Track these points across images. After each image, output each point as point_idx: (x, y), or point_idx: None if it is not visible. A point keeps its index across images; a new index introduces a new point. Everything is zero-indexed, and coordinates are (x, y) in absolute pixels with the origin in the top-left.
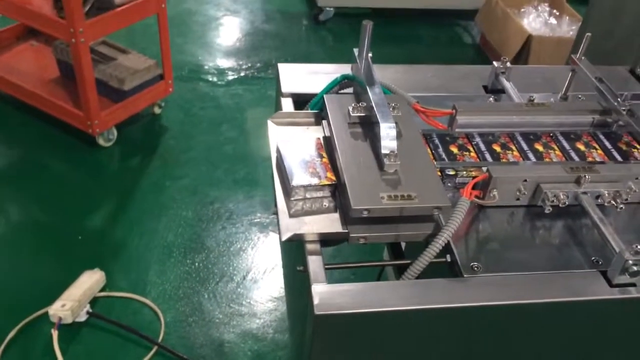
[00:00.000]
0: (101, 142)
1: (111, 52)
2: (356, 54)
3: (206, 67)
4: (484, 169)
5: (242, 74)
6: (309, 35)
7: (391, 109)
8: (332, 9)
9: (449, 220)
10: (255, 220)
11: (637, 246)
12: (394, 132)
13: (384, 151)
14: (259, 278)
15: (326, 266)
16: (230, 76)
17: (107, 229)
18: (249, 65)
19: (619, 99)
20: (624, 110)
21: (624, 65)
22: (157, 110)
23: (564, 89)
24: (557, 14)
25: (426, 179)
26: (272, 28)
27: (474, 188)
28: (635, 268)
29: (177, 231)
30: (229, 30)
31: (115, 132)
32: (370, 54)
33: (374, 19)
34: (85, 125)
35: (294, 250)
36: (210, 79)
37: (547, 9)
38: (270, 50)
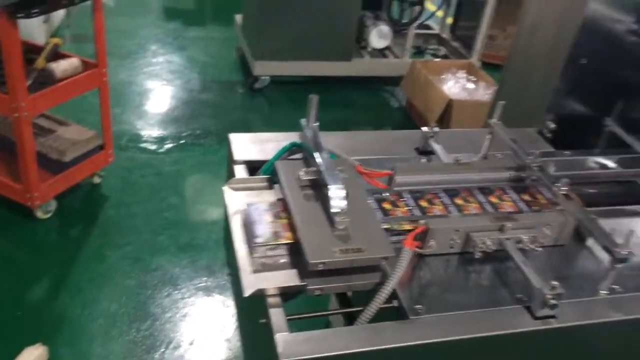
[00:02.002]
0: (39, 214)
1: (50, 125)
2: (304, 123)
3: (145, 135)
4: (422, 221)
5: (182, 141)
6: (245, 103)
7: (338, 172)
8: (267, 77)
9: (395, 269)
10: (201, 285)
11: (553, 283)
12: (342, 193)
13: (334, 210)
14: (207, 343)
15: (287, 317)
16: (170, 144)
17: (48, 302)
18: (188, 132)
19: (530, 157)
20: (534, 166)
21: (533, 127)
22: (97, 180)
23: (483, 150)
24: (474, 79)
25: (373, 233)
26: (209, 97)
27: (414, 239)
28: (553, 302)
29: (120, 300)
30: (167, 100)
31: (54, 203)
32: (317, 123)
33: (308, 86)
34: (24, 198)
35: (254, 306)
36: (150, 147)
37: (464, 75)
38: (208, 118)
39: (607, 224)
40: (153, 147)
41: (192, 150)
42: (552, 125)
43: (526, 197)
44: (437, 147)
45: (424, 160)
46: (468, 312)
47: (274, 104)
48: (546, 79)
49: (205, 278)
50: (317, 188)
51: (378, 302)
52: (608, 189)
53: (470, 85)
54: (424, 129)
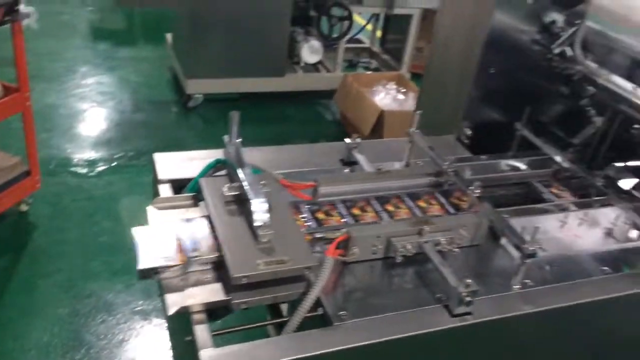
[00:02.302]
0: None
1: None
2: (226, 140)
3: (75, 159)
4: (344, 230)
5: (114, 163)
6: (179, 122)
7: (261, 186)
8: (200, 95)
9: (317, 279)
10: (137, 309)
11: (468, 281)
12: (265, 206)
13: (256, 223)
14: None
15: (214, 332)
16: (102, 167)
17: None
18: (121, 154)
19: (445, 163)
20: (450, 171)
21: (452, 134)
22: (24, 207)
23: (405, 158)
24: (404, 90)
25: (296, 244)
26: (142, 117)
27: (337, 247)
28: (468, 299)
29: (52, 330)
30: (98, 122)
31: None
32: (239, 140)
33: (242, 103)
34: None
35: (180, 323)
36: (80, 171)
37: (395, 87)
38: (141, 138)
39: (518, 222)
40: (84, 170)
41: (125, 172)
42: (469, 132)
43: (454, 200)
44: (360, 157)
45: (347, 170)
46: (390, 314)
47: (208, 122)
48: (461, 88)
49: (142, 301)
50: (241, 203)
51: (302, 311)
52: (519, 189)
53: (401, 96)
54: (347, 140)
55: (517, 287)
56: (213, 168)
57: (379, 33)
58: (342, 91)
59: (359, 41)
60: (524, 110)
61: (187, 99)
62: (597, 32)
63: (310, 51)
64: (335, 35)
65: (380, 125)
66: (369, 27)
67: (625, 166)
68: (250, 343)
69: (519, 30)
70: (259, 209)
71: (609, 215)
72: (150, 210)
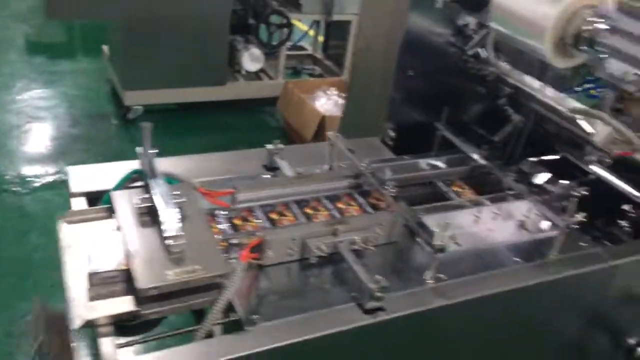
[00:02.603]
0: None
1: None
2: (140, 151)
3: (8, 176)
4: (258, 234)
5: (50, 179)
6: (119, 134)
7: (174, 196)
8: (140, 107)
9: (228, 285)
10: None
11: (377, 277)
12: (175, 216)
13: (167, 234)
14: None
15: (133, 342)
16: (37, 183)
17: None
18: (57, 170)
19: (363, 165)
20: (367, 173)
21: (377, 136)
22: None
23: (327, 161)
24: (344, 95)
25: (209, 252)
26: (80, 131)
27: (252, 251)
28: (379, 294)
29: None
30: (33, 138)
31: None
32: (154, 150)
33: (184, 113)
34: None
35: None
36: (14, 189)
37: (336, 92)
38: (79, 152)
39: (432, 218)
40: (17, 188)
41: (62, 187)
42: (392, 134)
43: (372, 201)
44: (282, 162)
45: (267, 176)
46: (304, 315)
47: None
48: (384, 91)
49: None
50: (154, 214)
51: (212, 318)
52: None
53: (342, 101)
54: (269, 146)
55: (431, 281)
56: (131, 178)
57: (321, 38)
58: (284, 98)
59: (302, 48)
60: (442, 111)
61: (126, 111)
62: (505, 34)
63: (251, 59)
64: (275, 42)
65: (322, 130)
66: (311, 32)
67: (539, 161)
68: (162, 351)
69: (435, 33)
70: (169, 219)
71: (521, 208)
72: (62, 225)
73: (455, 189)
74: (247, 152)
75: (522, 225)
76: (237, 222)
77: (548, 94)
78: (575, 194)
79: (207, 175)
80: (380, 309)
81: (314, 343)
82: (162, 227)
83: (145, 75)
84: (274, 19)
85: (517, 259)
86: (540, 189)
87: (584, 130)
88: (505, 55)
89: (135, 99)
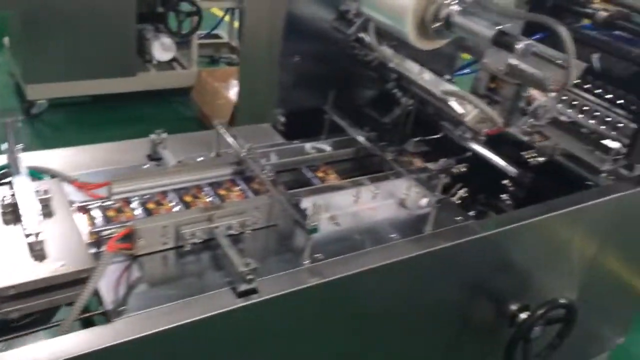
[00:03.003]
0: None
1: None
2: (4, 148)
3: None
4: (129, 223)
5: None
6: (23, 131)
7: (36, 193)
8: (44, 101)
9: (91, 277)
10: None
11: (247, 260)
12: (37, 213)
13: (27, 231)
14: None
15: None
16: None
17: None
18: None
19: (244, 151)
20: (248, 158)
21: (269, 122)
22: None
23: (215, 149)
24: None
25: (73, 247)
26: None
27: (124, 242)
28: (250, 277)
29: None
30: None
31: None
32: (19, 146)
33: (95, 105)
34: None
35: None
36: None
37: None
38: None
39: (311, 200)
40: None
41: None
42: (282, 119)
43: (255, 186)
44: (165, 152)
45: (147, 166)
46: (175, 303)
47: (57, 129)
48: (271, 77)
49: None
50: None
51: (75, 312)
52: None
53: None
54: (152, 136)
55: (307, 262)
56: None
57: (237, 26)
58: (198, 87)
59: (218, 36)
60: (328, 95)
61: (29, 106)
62: (374, 18)
63: (162, 48)
64: (185, 31)
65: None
66: (227, 18)
67: (422, 140)
68: (18, 349)
69: (318, 18)
70: (29, 216)
71: (400, 186)
72: None
73: (320, 174)
74: (131, 142)
75: (401, 203)
76: (111, 213)
77: (426, 77)
78: (454, 170)
79: (88, 167)
80: (253, 291)
81: (184, 330)
82: (23, 223)
83: (48, 67)
84: (184, 6)
85: (394, 235)
86: (420, 167)
87: (455, 111)
88: (389, 40)
89: (38, 93)
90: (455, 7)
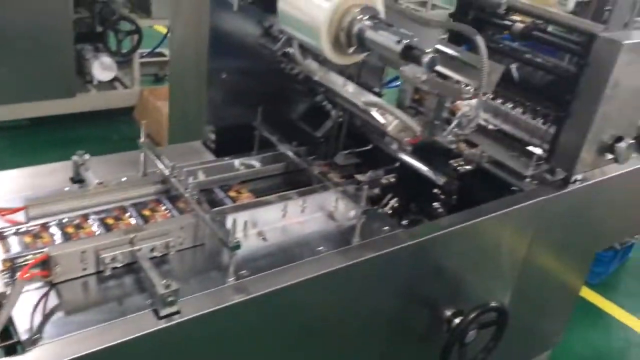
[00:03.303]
0: None
1: None
2: None
3: None
4: (45, 250)
5: None
6: None
7: None
8: None
9: (3, 306)
10: None
11: (167, 282)
12: None
13: None
14: None
15: None
16: None
17: None
18: None
19: (168, 169)
20: (172, 178)
21: (200, 140)
22: None
23: (141, 168)
24: None
25: None
26: None
27: (40, 269)
28: (171, 299)
29: None
30: None
31: None
32: None
33: (35, 128)
34: None
35: None
36: None
37: None
38: None
39: (239, 217)
40: None
41: None
42: (212, 136)
43: (181, 205)
44: (87, 174)
45: (67, 188)
46: (93, 328)
47: None
48: (200, 94)
49: None
50: None
51: None
52: (255, 185)
53: None
54: (74, 158)
55: (232, 279)
56: None
57: None
58: (140, 106)
59: (162, 54)
60: (263, 110)
61: None
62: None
63: (102, 68)
64: (126, 50)
65: None
66: None
67: (352, 152)
68: None
69: (243, 34)
70: None
71: (328, 199)
72: None
73: (232, 194)
74: (53, 165)
75: (330, 216)
76: (28, 239)
77: (349, 89)
78: (383, 181)
79: (8, 192)
80: (174, 312)
81: (103, 355)
82: None
83: None
84: (124, 25)
85: (322, 248)
86: (347, 180)
87: (378, 121)
88: (315, 54)
89: None
90: (368, 22)
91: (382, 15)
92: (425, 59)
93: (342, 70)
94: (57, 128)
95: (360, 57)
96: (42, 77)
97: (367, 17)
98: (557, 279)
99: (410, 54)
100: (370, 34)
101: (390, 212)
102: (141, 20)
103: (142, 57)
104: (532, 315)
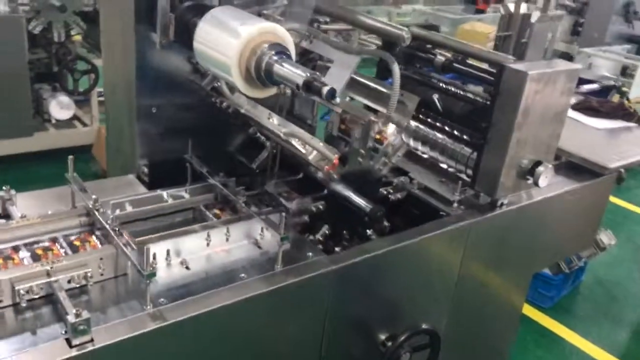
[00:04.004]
0: None
1: None
2: None
3: None
4: None
5: None
6: None
7: None
8: None
9: None
10: None
11: (78, 310)
12: None
13: None
14: None
15: None
16: None
17: None
18: None
19: (90, 203)
20: (94, 210)
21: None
22: None
23: (71, 202)
24: None
25: None
26: None
27: None
28: (82, 327)
29: None
30: None
31: None
32: None
33: None
34: None
35: None
36: None
37: None
38: None
39: (162, 246)
40: None
41: None
42: (145, 170)
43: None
44: (12, 209)
45: None
46: (5, 358)
47: None
48: (133, 129)
49: None
50: None
51: None
52: (183, 216)
53: None
54: (1, 192)
55: (149, 307)
56: None
57: None
58: (99, 144)
59: None
60: (194, 142)
61: None
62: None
63: (60, 107)
64: (82, 89)
65: None
66: None
67: (283, 181)
68: None
69: (171, 70)
70: None
71: (252, 227)
72: None
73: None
74: None
75: (255, 244)
76: None
77: (274, 121)
78: (313, 209)
79: None
80: (87, 341)
81: None
82: None
83: None
84: (80, 64)
85: (243, 275)
86: (271, 208)
87: (299, 150)
88: None
89: None
90: (275, 58)
91: (292, 50)
92: (324, 90)
93: (274, 103)
94: (15, 167)
95: (273, 90)
96: (0, 117)
97: (274, 52)
98: (495, 300)
99: (311, 87)
100: (277, 69)
101: (321, 239)
102: (98, 59)
103: (100, 95)
104: (471, 337)
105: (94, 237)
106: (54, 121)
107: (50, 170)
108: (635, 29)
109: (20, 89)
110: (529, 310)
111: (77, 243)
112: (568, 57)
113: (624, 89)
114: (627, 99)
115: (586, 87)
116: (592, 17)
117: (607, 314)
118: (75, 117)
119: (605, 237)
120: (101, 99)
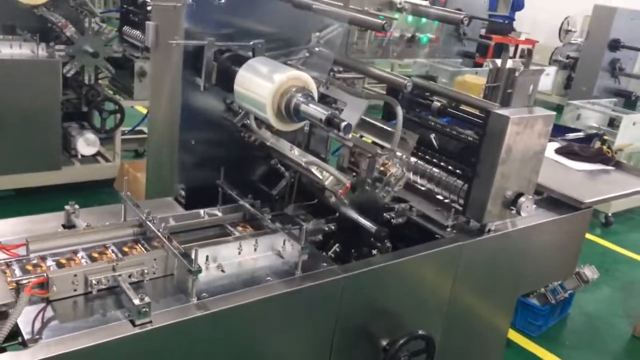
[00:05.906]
0: None
1: None
2: None
3: None
4: (45, 273)
5: None
6: None
7: None
8: None
9: (11, 314)
10: None
11: (142, 295)
12: None
13: None
14: None
15: None
16: None
17: None
18: None
19: (143, 216)
20: (148, 222)
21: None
22: None
23: (122, 217)
24: None
25: None
26: None
27: (40, 288)
28: (145, 309)
29: None
30: None
31: None
32: None
33: (20, 198)
34: None
35: None
36: None
37: None
38: None
39: (204, 251)
40: None
41: None
42: (182, 193)
43: (156, 244)
44: (77, 221)
45: (60, 229)
46: (80, 332)
47: None
48: (173, 158)
49: None
50: None
51: None
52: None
53: None
54: (66, 207)
55: (194, 299)
56: None
57: None
58: (121, 178)
59: (142, 132)
60: (227, 171)
61: None
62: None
63: (86, 144)
64: (108, 127)
65: None
66: None
67: (299, 205)
68: None
69: (209, 109)
70: None
71: (277, 240)
72: None
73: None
74: (47, 215)
75: (278, 254)
76: (29, 267)
77: (295, 153)
78: (325, 228)
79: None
80: (147, 322)
81: (88, 353)
82: None
83: None
84: (108, 105)
85: (269, 278)
86: (294, 224)
87: (317, 176)
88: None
89: None
90: (302, 99)
91: (315, 93)
92: (342, 125)
93: (293, 139)
94: (43, 198)
95: (299, 125)
96: (31, 152)
97: (301, 95)
98: (482, 319)
99: (332, 122)
100: (303, 108)
101: (332, 256)
102: (124, 101)
103: (123, 134)
104: (461, 352)
105: (139, 246)
106: (79, 156)
107: (77, 201)
108: (621, 83)
109: (52, 126)
110: (518, 338)
111: (126, 249)
112: (561, 109)
113: (606, 137)
114: (608, 146)
115: (572, 135)
116: (581, 72)
117: (592, 344)
118: (98, 153)
119: (589, 272)
120: (125, 137)
